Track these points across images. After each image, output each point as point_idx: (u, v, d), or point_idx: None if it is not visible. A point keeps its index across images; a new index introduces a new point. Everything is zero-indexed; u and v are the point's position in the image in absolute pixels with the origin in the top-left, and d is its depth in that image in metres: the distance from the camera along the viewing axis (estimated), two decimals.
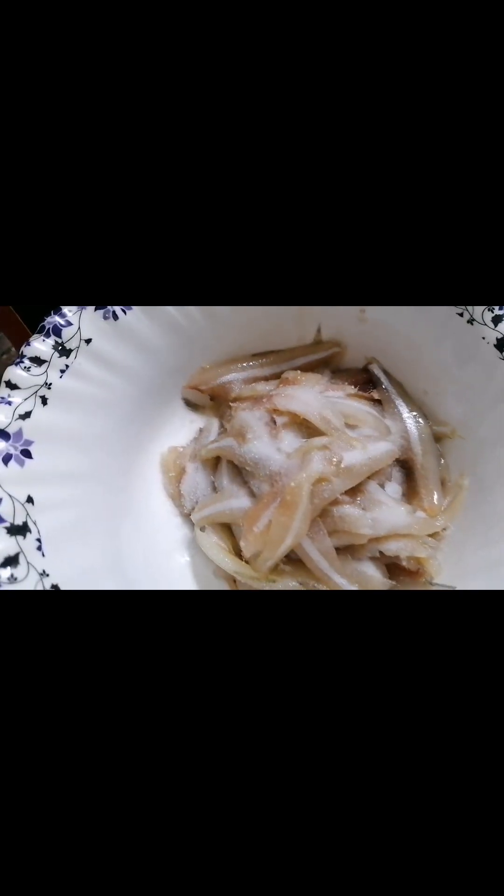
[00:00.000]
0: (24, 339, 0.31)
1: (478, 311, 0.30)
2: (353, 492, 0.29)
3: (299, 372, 0.34)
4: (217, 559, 0.31)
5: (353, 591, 0.28)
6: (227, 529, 0.32)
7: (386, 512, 0.29)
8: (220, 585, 0.32)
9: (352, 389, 0.34)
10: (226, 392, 0.36)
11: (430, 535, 0.31)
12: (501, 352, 0.30)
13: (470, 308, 0.30)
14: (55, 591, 0.23)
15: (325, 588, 0.29)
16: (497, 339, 0.30)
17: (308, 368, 0.35)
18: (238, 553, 0.31)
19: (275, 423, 0.31)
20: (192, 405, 0.37)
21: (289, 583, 0.29)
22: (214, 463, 0.34)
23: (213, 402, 0.37)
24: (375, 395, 0.35)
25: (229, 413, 0.35)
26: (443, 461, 0.33)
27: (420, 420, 0.33)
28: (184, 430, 0.36)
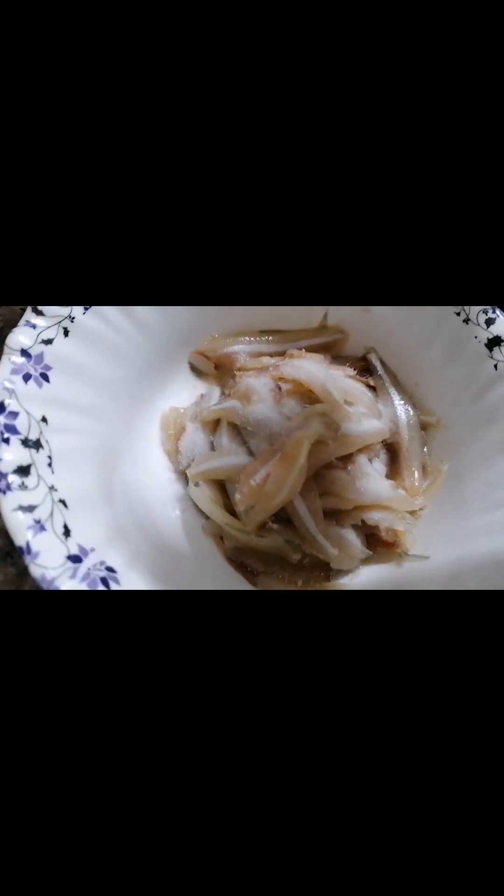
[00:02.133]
0: None
1: (474, 311, 0.33)
2: (345, 461, 0.31)
3: (303, 351, 0.36)
4: (209, 510, 0.32)
5: (349, 591, 0.30)
6: (221, 487, 0.33)
7: (372, 483, 0.31)
8: (207, 542, 0.33)
9: (351, 372, 0.36)
10: (231, 362, 0.37)
11: (409, 513, 0.33)
12: (490, 351, 0.33)
13: (467, 308, 0.33)
14: (41, 592, 0.23)
15: (308, 548, 0.31)
16: (488, 339, 0.33)
17: (311, 350, 0.37)
18: (229, 510, 0.32)
19: (280, 389, 0.32)
20: (196, 371, 0.38)
21: (275, 539, 0.31)
22: (214, 425, 0.35)
23: (216, 370, 0.38)
24: (371, 382, 0.37)
25: (232, 382, 0.36)
26: (426, 448, 0.36)
27: (409, 409, 0.36)
28: (185, 392, 0.38)
